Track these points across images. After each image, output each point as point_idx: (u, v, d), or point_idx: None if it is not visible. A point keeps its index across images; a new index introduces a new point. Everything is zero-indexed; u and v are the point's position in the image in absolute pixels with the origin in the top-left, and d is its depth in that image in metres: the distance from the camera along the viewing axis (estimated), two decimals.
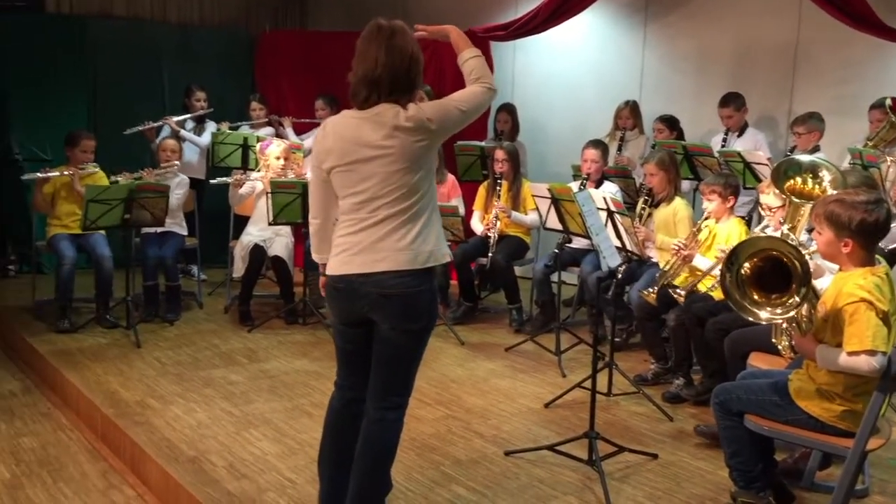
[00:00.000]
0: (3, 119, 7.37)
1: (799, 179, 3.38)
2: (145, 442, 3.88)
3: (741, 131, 6.04)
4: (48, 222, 6.02)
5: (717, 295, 4.17)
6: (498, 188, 6.01)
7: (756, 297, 3.06)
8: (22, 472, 3.85)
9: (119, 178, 5.82)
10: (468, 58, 2.96)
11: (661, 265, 4.77)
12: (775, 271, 3.04)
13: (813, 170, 3.38)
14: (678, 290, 4.32)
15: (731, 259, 3.08)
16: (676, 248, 4.53)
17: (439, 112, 2.82)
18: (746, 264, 3.07)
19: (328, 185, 2.95)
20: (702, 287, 4.41)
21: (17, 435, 4.28)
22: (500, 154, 6.06)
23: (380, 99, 2.80)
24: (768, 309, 3.03)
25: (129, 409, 4.31)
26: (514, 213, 6.04)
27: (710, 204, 4.61)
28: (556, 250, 5.35)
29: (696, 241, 4.56)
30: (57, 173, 5.84)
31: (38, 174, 5.80)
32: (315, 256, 3.11)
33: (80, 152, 5.89)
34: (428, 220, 2.86)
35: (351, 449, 2.99)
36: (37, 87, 7.40)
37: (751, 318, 3.07)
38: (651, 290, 4.55)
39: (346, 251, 2.87)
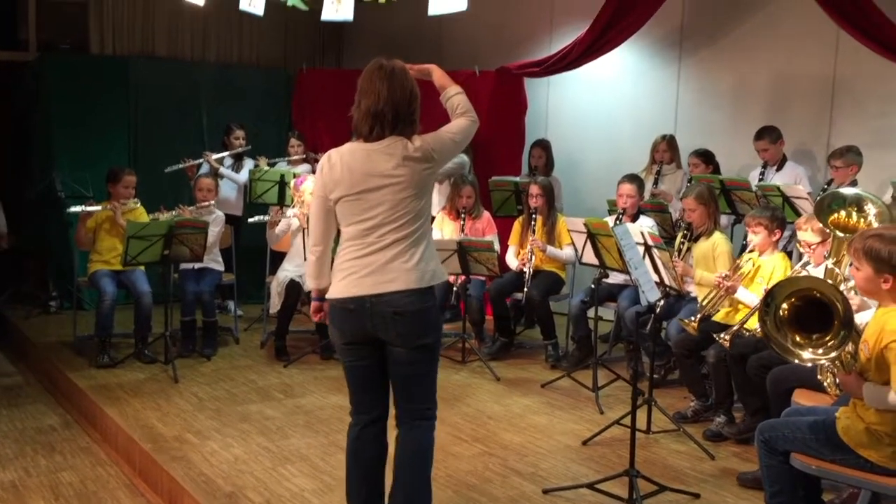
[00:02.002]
0: (48, 157, 7.54)
1: (843, 213, 3.33)
2: (183, 477, 3.89)
3: (780, 165, 5.97)
4: (90, 258, 6.12)
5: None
6: (533, 223, 6.01)
7: (797, 338, 2.99)
8: None
9: (157, 216, 5.92)
10: (452, 94, 3.18)
11: (700, 300, 4.70)
12: (814, 310, 2.97)
13: (857, 203, 3.33)
14: (723, 336, 4.24)
15: (769, 300, 3.02)
16: (719, 279, 4.47)
17: (439, 143, 3.07)
18: (784, 305, 3.00)
19: (331, 214, 3.11)
20: (750, 325, 4.30)
21: (56, 470, 4.31)
22: (534, 189, 6.07)
23: (384, 132, 2.99)
24: (810, 350, 2.96)
25: (166, 444, 4.33)
26: (550, 248, 6.02)
27: (756, 237, 4.55)
28: (593, 285, 5.32)
29: (740, 274, 4.50)
30: (100, 207, 5.95)
31: (83, 207, 5.91)
32: (311, 283, 3.22)
33: (122, 188, 6.00)
34: (428, 243, 3.08)
35: (377, 476, 3.11)
36: (81, 127, 7.57)
37: (794, 360, 3.00)
38: (692, 318, 4.48)
39: (352, 274, 3.01)
